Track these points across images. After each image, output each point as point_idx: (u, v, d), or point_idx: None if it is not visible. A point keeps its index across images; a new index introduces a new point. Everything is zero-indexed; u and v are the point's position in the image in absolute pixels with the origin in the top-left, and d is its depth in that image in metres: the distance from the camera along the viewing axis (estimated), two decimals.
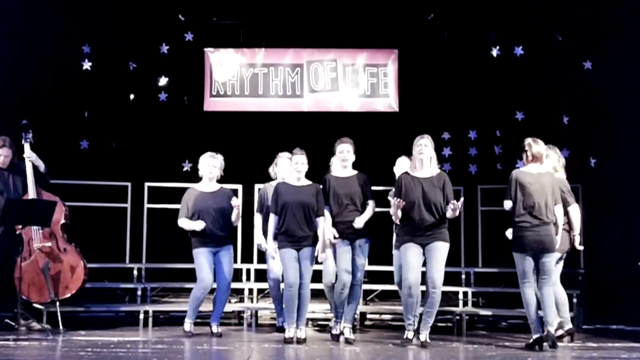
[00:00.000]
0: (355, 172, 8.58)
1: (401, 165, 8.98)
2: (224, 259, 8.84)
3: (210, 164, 8.90)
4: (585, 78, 11.58)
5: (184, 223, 8.81)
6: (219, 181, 9.04)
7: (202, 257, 8.74)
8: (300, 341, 8.27)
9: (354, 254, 8.43)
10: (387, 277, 9.35)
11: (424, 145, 8.23)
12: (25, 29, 11.42)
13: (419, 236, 8.14)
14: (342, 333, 8.50)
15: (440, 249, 8.12)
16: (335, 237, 8.36)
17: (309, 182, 8.54)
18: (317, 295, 10.86)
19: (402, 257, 8.24)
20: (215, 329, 8.87)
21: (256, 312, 10.15)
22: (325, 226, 8.38)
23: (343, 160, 8.49)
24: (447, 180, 8.24)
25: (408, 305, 8.16)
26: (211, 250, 8.78)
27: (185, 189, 9.08)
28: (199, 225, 8.70)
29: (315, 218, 8.40)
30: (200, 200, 8.81)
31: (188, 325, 8.83)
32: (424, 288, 8.23)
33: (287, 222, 8.36)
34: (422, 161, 8.24)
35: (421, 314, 8.24)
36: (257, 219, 9.16)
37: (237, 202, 8.76)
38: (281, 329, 8.88)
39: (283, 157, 9.14)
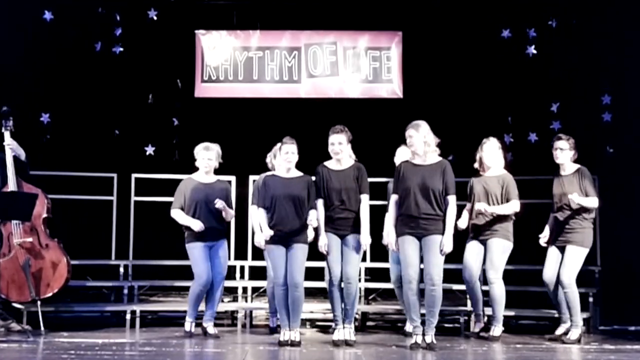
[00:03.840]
0: (352, 162, 8.50)
1: (401, 155, 8.98)
2: (219, 254, 8.88)
3: (206, 157, 8.90)
4: (600, 61, 11.54)
5: (179, 216, 8.80)
6: (217, 171, 9.05)
7: (197, 252, 8.77)
8: (295, 344, 8.24)
9: (345, 250, 8.37)
10: (389, 275, 9.32)
11: (409, 136, 8.21)
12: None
13: (415, 227, 8.10)
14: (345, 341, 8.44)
15: (438, 242, 8.09)
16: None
17: (300, 174, 8.45)
18: (315, 294, 10.89)
19: (400, 252, 8.21)
20: (211, 330, 8.87)
21: (251, 312, 10.14)
22: (317, 215, 8.34)
23: (334, 153, 8.41)
24: (447, 168, 8.21)
25: (411, 305, 8.13)
26: (207, 245, 8.82)
27: (174, 180, 9.06)
28: (196, 224, 8.70)
29: (308, 211, 8.34)
30: (197, 192, 8.82)
31: (189, 324, 8.85)
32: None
33: (275, 216, 8.28)
34: (415, 153, 8.22)
35: (423, 314, 8.22)
36: (254, 211, 9.01)
37: (221, 204, 8.75)
38: (275, 330, 9.06)
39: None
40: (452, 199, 8.16)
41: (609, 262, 10.64)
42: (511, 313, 9.87)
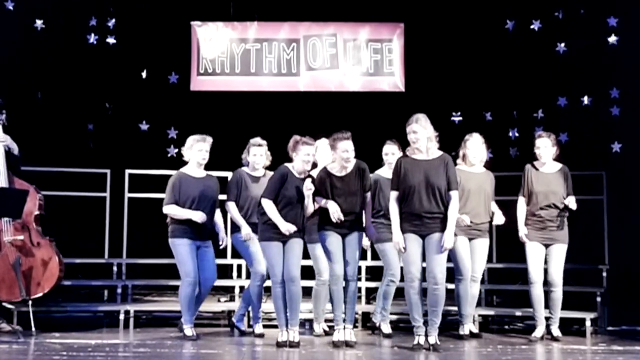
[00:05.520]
0: (353, 163, 8.42)
1: (390, 152, 9.00)
2: (208, 256, 8.80)
3: (203, 149, 8.83)
4: (609, 54, 11.53)
5: (176, 210, 8.68)
6: (214, 166, 9.02)
7: (185, 249, 8.67)
8: (294, 345, 8.21)
9: (346, 247, 8.37)
10: None
11: (413, 132, 8.15)
12: None
13: (418, 226, 8.08)
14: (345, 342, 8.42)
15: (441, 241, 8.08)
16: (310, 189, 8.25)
17: (307, 173, 8.43)
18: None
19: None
20: (188, 332, 8.78)
21: (248, 312, 10.10)
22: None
23: (346, 160, 8.35)
24: (450, 163, 8.18)
25: (413, 304, 8.11)
26: (195, 243, 8.72)
27: (169, 176, 9.01)
28: (198, 215, 8.63)
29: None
30: (191, 187, 8.74)
31: (189, 330, 8.74)
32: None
33: (282, 215, 8.22)
34: (418, 148, 8.18)
35: (426, 314, 8.19)
36: (233, 208, 8.90)
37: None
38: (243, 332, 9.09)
39: (254, 145, 9.01)
40: (454, 195, 8.13)
41: (617, 261, 10.62)
42: (516, 313, 9.88)
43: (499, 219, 8.99)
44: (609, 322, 9.95)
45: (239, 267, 10.90)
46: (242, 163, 9.15)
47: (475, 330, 9.17)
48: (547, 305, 8.87)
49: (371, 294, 10.88)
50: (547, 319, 8.90)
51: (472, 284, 9.00)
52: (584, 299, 9.85)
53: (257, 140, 9.03)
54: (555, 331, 8.86)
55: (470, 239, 8.96)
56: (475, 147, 9.05)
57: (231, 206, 8.92)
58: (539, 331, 8.89)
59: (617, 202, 10.81)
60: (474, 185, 8.93)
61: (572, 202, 8.72)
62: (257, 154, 8.98)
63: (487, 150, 9.36)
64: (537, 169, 8.97)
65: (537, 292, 8.85)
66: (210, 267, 8.80)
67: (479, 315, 9.70)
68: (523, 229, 8.93)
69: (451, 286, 9.14)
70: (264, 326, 9.20)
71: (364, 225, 8.53)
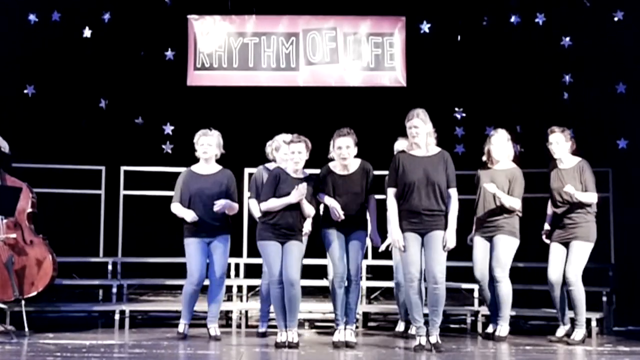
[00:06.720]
0: (358, 163, 8.41)
1: (402, 147, 8.95)
2: (217, 251, 8.80)
3: (205, 143, 8.85)
4: (615, 49, 11.51)
5: (177, 209, 8.77)
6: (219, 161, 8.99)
7: (192, 248, 8.73)
8: (293, 346, 8.20)
9: (349, 247, 8.36)
10: (392, 274, 9.28)
11: (414, 127, 8.12)
12: None
13: (417, 224, 8.06)
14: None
15: (441, 239, 8.04)
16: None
17: (306, 173, 8.42)
18: (314, 293, 10.86)
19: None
20: (212, 331, 8.83)
21: (246, 312, 10.11)
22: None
23: (342, 158, 8.34)
24: (449, 160, 8.16)
25: (413, 304, 8.08)
26: (204, 241, 8.76)
27: (165, 173, 9.03)
28: (188, 215, 8.66)
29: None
30: (192, 184, 8.77)
31: (182, 326, 8.83)
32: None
33: (279, 214, 8.24)
34: (417, 143, 8.16)
35: (426, 315, 8.17)
36: (254, 205, 8.96)
37: (219, 206, 8.59)
38: (264, 334, 9.02)
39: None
40: (453, 192, 8.12)
41: (623, 260, 10.61)
42: (521, 313, 9.86)
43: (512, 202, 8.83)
44: (614, 323, 9.95)
45: (237, 266, 10.88)
46: (267, 159, 9.16)
47: (501, 333, 8.93)
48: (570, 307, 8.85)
49: (372, 294, 10.88)
50: (572, 320, 8.85)
51: (496, 284, 8.87)
52: (589, 299, 9.79)
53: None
54: (574, 334, 8.73)
55: (488, 238, 8.93)
56: (499, 143, 8.99)
57: (251, 203, 9.01)
58: (560, 331, 8.89)
59: (624, 199, 10.79)
60: (485, 182, 8.90)
61: (570, 190, 8.59)
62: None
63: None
64: (555, 166, 8.92)
65: (554, 294, 8.83)
66: (216, 262, 8.80)
67: (482, 315, 9.70)
68: (545, 228, 9.00)
69: (464, 285, 9.16)
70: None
71: (368, 227, 8.50)
